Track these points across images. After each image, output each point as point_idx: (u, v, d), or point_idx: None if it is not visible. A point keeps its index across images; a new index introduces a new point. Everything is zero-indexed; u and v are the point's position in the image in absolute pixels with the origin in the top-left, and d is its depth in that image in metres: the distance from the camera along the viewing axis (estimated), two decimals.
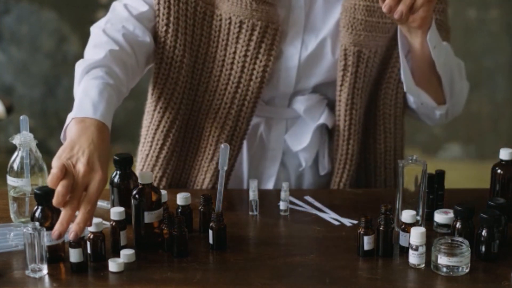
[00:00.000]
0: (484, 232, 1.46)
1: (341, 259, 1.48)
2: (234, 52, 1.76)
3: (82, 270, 1.42)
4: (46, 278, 1.40)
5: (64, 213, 1.38)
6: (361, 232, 1.48)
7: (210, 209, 1.58)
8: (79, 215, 1.39)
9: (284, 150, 1.86)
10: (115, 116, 1.57)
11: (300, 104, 1.81)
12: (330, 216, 1.67)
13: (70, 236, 1.39)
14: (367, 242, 1.47)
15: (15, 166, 1.59)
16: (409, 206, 1.54)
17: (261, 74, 1.75)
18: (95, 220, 1.43)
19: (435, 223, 1.60)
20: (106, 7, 4.02)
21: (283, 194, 1.67)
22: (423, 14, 1.59)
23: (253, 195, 1.67)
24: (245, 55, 1.75)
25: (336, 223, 1.64)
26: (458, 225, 1.50)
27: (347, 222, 1.64)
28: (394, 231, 1.50)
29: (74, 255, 1.41)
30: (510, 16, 4.21)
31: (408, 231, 1.47)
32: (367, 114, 1.85)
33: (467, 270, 1.43)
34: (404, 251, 1.48)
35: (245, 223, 1.65)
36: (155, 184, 1.73)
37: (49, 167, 1.50)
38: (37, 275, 1.40)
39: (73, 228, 1.38)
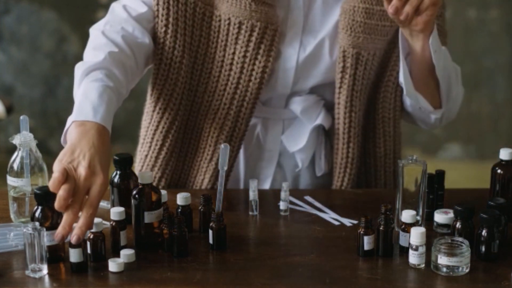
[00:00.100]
0: (484, 232, 1.46)
1: (341, 259, 1.48)
2: (233, 53, 1.76)
3: (82, 270, 1.42)
4: (46, 278, 1.40)
5: (66, 217, 1.39)
6: (361, 232, 1.48)
7: (210, 209, 1.58)
8: (81, 219, 1.39)
9: (280, 151, 1.86)
10: (115, 116, 1.57)
11: (297, 105, 1.81)
12: (330, 216, 1.67)
13: (72, 239, 1.39)
14: (367, 242, 1.47)
15: (15, 166, 1.59)
16: (409, 206, 1.55)
17: (260, 75, 1.75)
18: (95, 220, 1.43)
19: (435, 223, 1.60)
20: (106, 7, 4.01)
21: (283, 194, 1.67)
22: (427, 18, 1.60)
23: (253, 195, 1.67)
24: (244, 56, 1.75)
25: (336, 223, 1.64)
26: (458, 225, 1.50)
27: (347, 222, 1.64)
28: (394, 231, 1.50)
29: (74, 255, 1.41)
30: (510, 16, 4.21)
31: (408, 231, 1.47)
32: (366, 118, 1.86)
33: (467, 270, 1.43)
34: (404, 251, 1.48)
35: (245, 223, 1.65)
36: (154, 184, 1.72)
37: (49, 167, 1.50)
38: (37, 275, 1.40)
39: (75, 231, 1.39)
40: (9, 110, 3.62)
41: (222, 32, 1.76)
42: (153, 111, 1.82)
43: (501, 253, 1.48)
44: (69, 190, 1.38)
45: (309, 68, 1.78)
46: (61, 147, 1.52)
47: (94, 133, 1.46)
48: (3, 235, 1.54)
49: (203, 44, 1.78)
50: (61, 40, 4.22)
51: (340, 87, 1.78)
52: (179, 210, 1.58)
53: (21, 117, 1.59)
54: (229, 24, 1.74)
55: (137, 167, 1.87)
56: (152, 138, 1.83)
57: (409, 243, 1.45)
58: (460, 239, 1.44)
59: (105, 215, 1.55)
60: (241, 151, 1.85)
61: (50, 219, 1.43)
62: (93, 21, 1.78)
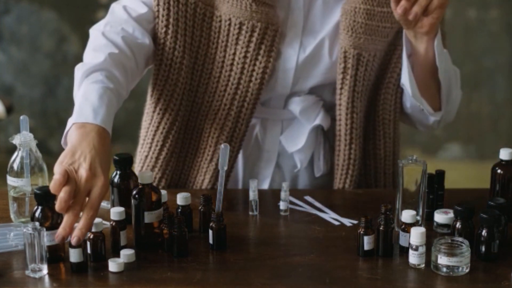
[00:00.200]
0: (484, 232, 1.46)
1: (341, 259, 1.48)
2: (234, 54, 1.76)
3: (82, 270, 1.42)
4: (46, 278, 1.40)
5: (66, 218, 1.39)
6: (361, 232, 1.48)
7: (210, 209, 1.58)
8: (82, 220, 1.40)
9: (279, 151, 1.86)
10: (115, 116, 1.57)
11: (296, 105, 1.81)
12: (330, 216, 1.67)
13: (72, 241, 1.39)
14: (367, 242, 1.47)
15: (15, 166, 1.59)
16: (409, 206, 1.54)
17: (260, 76, 1.75)
18: (95, 220, 1.43)
19: (435, 223, 1.60)
20: (106, 7, 4.01)
21: (283, 194, 1.67)
22: (432, 21, 1.62)
23: (253, 195, 1.67)
24: (245, 57, 1.75)
25: (336, 223, 1.64)
26: (458, 225, 1.50)
27: (347, 222, 1.64)
28: (394, 231, 1.50)
29: (74, 255, 1.41)
30: (510, 16, 4.21)
31: (408, 231, 1.47)
32: (367, 119, 1.86)
33: (467, 270, 1.43)
34: (404, 251, 1.48)
35: (245, 223, 1.65)
36: (154, 185, 1.72)
37: (49, 167, 1.50)
38: (37, 275, 1.40)
39: (75, 233, 1.39)
40: (9, 110, 3.62)
41: (222, 32, 1.76)
42: (154, 111, 1.82)
43: (501, 253, 1.48)
44: (70, 192, 1.39)
45: (309, 68, 1.78)
46: (61, 147, 1.53)
47: (94, 135, 1.46)
48: (3, 235, 1.54)
49: (204, 45, 1.78)
50: (61, 40, 4.22)
51: (341, 88, 1.79)
52: (179, 210, 1.58)
53: (21, 117, 1.59)
54: (229, 24, 1.74)
55: (137, 168, 1.87)
56: (153, 139, 1.83)
57: (409, 243, 1.45)
58: (460, 239, 1.44)
59: (105, 215, 1.55)
60: (240, 152, 1.85)
61: (50, 219, 1.43)
62: (93, 21, 1.78)
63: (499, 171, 1.62)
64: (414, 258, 1.44)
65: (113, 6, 1.76)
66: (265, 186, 1.87)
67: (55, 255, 1.44)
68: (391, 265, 1.46)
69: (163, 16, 1.74)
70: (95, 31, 1.73)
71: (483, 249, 1.46)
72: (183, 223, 1.48)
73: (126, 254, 1.45)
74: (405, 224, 1.49)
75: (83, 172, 1.41)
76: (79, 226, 1.39)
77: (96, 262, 1.45)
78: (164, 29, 1.75)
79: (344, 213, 1.67)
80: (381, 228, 1.48)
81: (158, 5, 1.73)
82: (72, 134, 1.48)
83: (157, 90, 1.80)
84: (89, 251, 1.44)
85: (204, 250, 1.52)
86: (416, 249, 1.43)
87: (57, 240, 1.40)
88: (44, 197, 1.42)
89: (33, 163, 1.58)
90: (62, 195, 1.38)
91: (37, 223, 1.39)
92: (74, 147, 1.45)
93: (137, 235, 1.51)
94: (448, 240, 1.44)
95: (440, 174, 1.68)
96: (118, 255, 1.45)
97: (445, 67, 1.74)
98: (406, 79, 1.74)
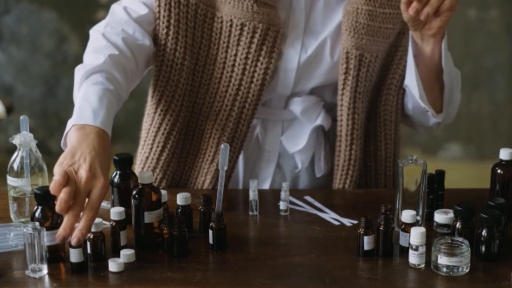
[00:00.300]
0: (484, 232, 1.46)
1: (341, 259, 1.48)
2: (235, 55, 1.76)
3: (82, 270, 1.42)
4: (46, 278, 1.40)
5: (67, 219, 1.39)
6: (361, 232, 1.48)
7: (210, 209, 1.58)
8: (82, 221, 1.40)
9: (280, 152, 1.86)
10: (115, 116, 1.57)
11: (297, 106, 1.81)
12: (330, 216, 1.67)
13: (72, 241, 1.40)
14: (367, 242, 1.47)
15: (15, 166, 1.59)
16: (409, 206, 1.54)
17: (262, 77, 1.75)
18: (95, 220, 1.43)
19: (435, 223, 1.60)
20: (106, 7, 4.02)
21: (283, 194, 1.67)
22: (441, 24, 1.64)
23: (253, 195, 1.67)
24: (246, 58, 1.75)
25: (336, 223, 1.64)
26: (458, 225, 1.50)
27: (347, 222, 1.64)
28: (394, 231, 1.50)
29: (74, 255, 1.41)
30: (510, 16, 4.22)
31: (408, 231, 1.47)
32: (368, 120, 1.86)
33: (467, 270, 1.43)
34: (404, 251, 1.48)
35: (245, 223, 1.65)
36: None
37: (49, 167, 1.50)
38: (37, 275, 1.40)
39: (75, 234, 1.39)
40: (9, 110, 3.62)
41: (224, 33, 1.75)
42: (155, 112, 1.82)
43: (501, 253, 1.48)
44: (70, 193, 1.39)
45: (311, 69, 1.78)
46: (61, 148, 1.53)
47: (94, 137, 1.46)
48: (3, 235, 1.54)
49: (205, 46, 1.77)
50: (61, 40, 4.22)
51: (343, 89, 1.79)
52: (179, 210, 1.58)
53: (21, 117, 1.59)
54: (231, 25, 1.74)
55: (137, 169, 1.87)
56: (154, 140, 1.83)
57: (409, 243, 1.45)
58: (460, 239, 1.44)
59: (105, 215, 1.55)
60: (241, 152, 1.85)
61: (50, 219, 1.43)
62: (93, 21, 1.78)
63: (499, 171, 1.63)
64: (414, 258, 1.44)
65: (114, 7, 1.76)
66: (266, 186, 1.87)
67: (55, 255, 1.44)
68: (391, 265, 1.46)
69: (164, 17, 1.74)
70: (95, 32, 1.73)
71: (483, 249, 1.46)
72: (183, 223, 1.48)
73: (126, 254, 1.45)
74: (405, 224, 1.49)
75: (83, 173, 1.41)
76: (79, 227, 1.39)
77: (96, 262, 1.45)
78: (165, 30, 1.74)
79: (344, 213, 1.67)
80: (381, 228, 1.48)
81: (159, 6, 1.73)
82: (72, 136, 1.48)
83: (158, 91, 1.80)
84: (89, 251, 1.44)
85: (204, 250, 1.52)
86: (416, 249, 1.44)
87: (58, 240, 1.40)
88: (44, 197, 1.42)
89: (33, 163, 1.58)
90: (62, 196, 1.38)
91: (37, 223, 1.39)
92: (74, 148, 1.45)
93: (137, 235, 1.51)
94: (448, 240, 1.44)
95: (440, 174, 1.68)
96: (118, 255, 1.45)
97: (449, 69, 1.74)
98: (412, 81, 1.74)
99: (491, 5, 4.19)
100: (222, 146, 1.54)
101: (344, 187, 1.83)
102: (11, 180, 1.59)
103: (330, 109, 1.85)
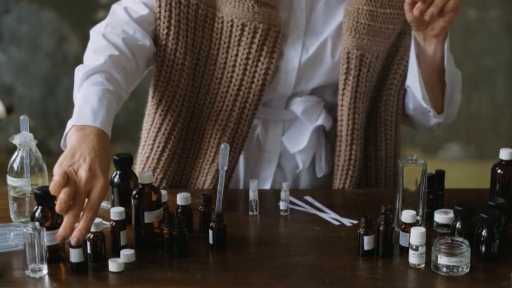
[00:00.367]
0: (484, 232, 1.46)
1: (341, 259, 1.48)
2: (236, 55, 1.76)
3: (82, 270, 1.42)
4: (46, 278, 1.40)
5: (67, 219, 1.39)
6: (361, 232, 1.48)
7: (210, 209, 1.58)
8: (81, 222, 1.40)
9: (281, 152, 1.86)
10: (115, 116, 1.57)
11: (298, 106, 1.81)
12: (330, 216, 1.67)
13: (71, 241, 1.40)
14: (367, 242, 1.47)
15: (15, 166, 1.59)
16: (409, 206, 1.54)
17: (262, 77, 1.75)
18: (95, 220, 1.43)
19: (435, 223, 1.60)
20: (106, 7, 4.03)
21: (283, 194, 1.67)
22: (444, 24, 1.64)
23: (253, 195, 1.67)
24: (247, 58, 1.75)
25: (336, 223, 1.64)
26: (458, 225, 1.50)
27: (347, 222, 1.64)
28: (394, 231, 1.50)
29: (74, 255, 1.41)
30: (510, 16, 4.22)
31: (408, 231, 1.47)
32: (368, 120, 1.86)
33: (467, 270, 1.43)
34: (404, 251, 1.48)
35: (245, 223, 1.65)
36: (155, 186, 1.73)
37: (49, 167, 1.50)
38: (37, 275, 1.40)
39: (74, 233, 1.39)
40: (9, 110, 3.62)
41: (224, 34, 1.75)
42: (155, 113, 1.82)
43: (501, 253, 1.48)
44: (70, 193, 1.39)
45: (311, 69, 1.78)
46: (61, 148, 1.53)
47: (93, 138, 1.47)
48: (3, 235, 1.54)
49: (205, 46, 1.77)
50: (61, 40, 4.22)
51: (343, 89, 1.79)
52: (179, 210, 1.58)
53: (21, 117, 1.59)
54: (231, 26, 1.74)
55: (138, 169, 1.87)
56: (154, 140, 1.83)
57: (409, 243, 1.45)
58: (460, 239, 1.44)
59: (105, 215, 1.55)
60: (242, 152, 1.85)
61: (50, 219, 1.43)
62: (93, 21, 1.78)
63: (499, 171, 1.63)
64: (414, 258, 1.44)
65: (114, 7, 1.76)
66: (267, 186, 1.87)
67: (55, 255, 1.44)
68: (391, 265, 1.46)
69: (164, 17, 1.74)
70: (95, 33, 1.73)
71: (483, 249, 1.46)
72: (183, 223, 1.48)
73: (126, 254, 1.45)
74: (405, 224, 1.49)
75: (82, 173, 1.41)
76: (78, 227, 1.39)
77: (96, 262, 1.45)
78: (165, 31, 1.74)
79: (344, 213, 1.67)
80: (381, 228, 1.48)
81: (159, 6, 1.73)
82: (71, 136, 1.48)
83: (158, 91, 1.79)
84: (89, 251, 1.44)
85: (204, 250, 1.52)
86: (416, 249, 1.43)
87: (58, 240, 1.40)
88: (44, 197, 1.42)
89: (33, 163, 1.58)
90: (62, 197, 1.38)
91: (37, 223, 1.39)
92: (73, 149, 1.45)
93: (137, 235, 1.51)
94: (448, 240, 1.44)
95: (440, 174, 1.68)
96: (118, 255, 1.45)
97: (450, 69, 1.75)
98: (414, 81, 1.74)
99: (491, 5, 4.19)
100: (222, 146, 1.54)
101: (344, 187, 1.83)
102: (11, 180, 1.59)
103: (331, 109, 1.85)
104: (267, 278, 1.41)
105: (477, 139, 4.34)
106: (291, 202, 1.71)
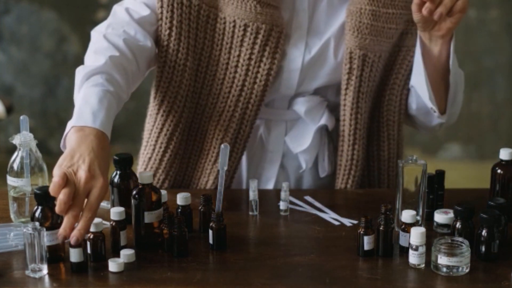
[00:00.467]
0: (484, 232, 1.46)
1: (341, 259, 1.48)
2: (238, 55, 1.76)
3: (82, 270, 1.42)
4: (46, 278, 1.40)
5: (66, 220, 1.40)
6: (361, 232, 1.48)
7: (210, 209, 1.58)
8: (81, 222, 1.40)
9: (284, 152, 1.86)
10: (115, 116, 1.57)
11: (301, 106, 1.81)
12: (330, 216, 1.67)
13: (71, 241, 1.40)
14: (367, 242, 1.47)
15: (15, 166, 1.59)
16: (409, 206, 1.55)
17: (265, 77, 1.75)
18: (95, 220, 1.43)
19: (435, 223, 1.60)
20: (106, 7, 4.03)
21: (283, 194, 1.67)
22: (451, 25, 1.64)
23: (253, 195, 1.67)
24: (250, 58, 1.75)
25: (336, 223, 1.64)
26: (458, 225, 1.50)
27: (347, 222, 1.64)
28: (394, 231, 1.50)
29: (74, 255, 1.41)
30: (510, 16, 4.22)
31: (408, 231, 1.47)
32: (371, 120, 1.86)
33: (467, 270, 1.43)
34: (404, 251, 1.48)
35: (245, 223, 1.65)
36: (157, 186, 1.72)
37: (49, 167, 1.50)
38: (37, 275, 1.40)
39: (73, 233, 1.40)
40: (9, 110, 3.62)
41: (227, 34, 1.75)
42: (157, 113, 1.82)
43: (501, 253, 1.48)
44: (70, 194, 1.39)
45: (314, 69, 1.78)
46: (61, 148, 1.53)
47: (93, 139, 1.47)
48: (3, 235, 1.54)
49: (208, 47, 1.77)
50: (61, 40, 4.22)
51: (346, 89, 1.79)
52: (179, 210, 1.58)
53: (21, 117, 1.59)
54: (234, 26, 1.74)
55: (140, 170, 1.87)
56: (156, 141, 1.82)
57: (409, 243, 1.45)
58: (460, 239, 1.44)
59: (105, 215, 1.55)
60: (244, 152, 1.85)
61: (50, 219, 1.43)
62: (93, 21, 1.78)
63: (499, 171, 1.63)
64: (414, 258, 1.44)
65: (115, 8, 1.76)
66: (270, 186, 1.86)
67: (55, 255, 1.44)
68: (391, 265, 1.46)
69: (166, 18, 1.73)
70: (96, 33, 1.72)
71: (483, 249, 1.46)
72: (183, 223, 1.48)
73: (126, 254, 1.45)
74: (405, 224, 1.49)
75: (82, 174, 1.41)
76: (78, 227, 1.40)
77: (96, 262, 1.45)
78: (167, 31, 1.74)
79: (345, 213, 1.67)
80: (381, 228, 1.48)
81: (161, 7, 1.73)
82: (71, 137, 1.48)
83: (160, 92, 1.79)
84: (89, 251, 1.44)
85: (204, 250, 1.52)
86: (416, 249, 1.44)
87: (58, 240, 1.40)
88: (44, 197, 1.42)
89: (33, 163, 1.58)
90: (61, 197, 1.38)
91: (37, 223, 1.39)
92: (73, 150, 1.45)
93: (137, 235, 1.51)
94: (448, 240, 1.44)
95: (440, 174, 1.68)
96: (118, 255, 1.45)
97: (455, 70, 1.75)
98: (420, 81, 1.74)
99: (491, 5, 4.19)
100: (222, 146, 1.54)
101: (346, 187, 1.83)
102: (11, 180, 1.59)
103: (334, 109, 1.85)
104: (267, 278, 1.41)
105: (477, 139, 4.34)
106: (291, 202, 1.71)
